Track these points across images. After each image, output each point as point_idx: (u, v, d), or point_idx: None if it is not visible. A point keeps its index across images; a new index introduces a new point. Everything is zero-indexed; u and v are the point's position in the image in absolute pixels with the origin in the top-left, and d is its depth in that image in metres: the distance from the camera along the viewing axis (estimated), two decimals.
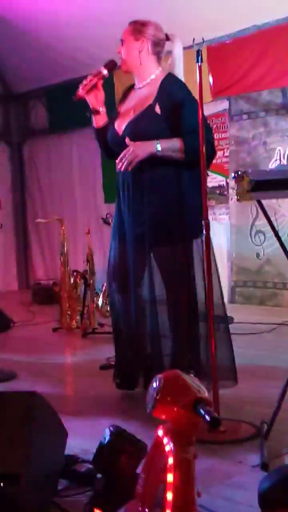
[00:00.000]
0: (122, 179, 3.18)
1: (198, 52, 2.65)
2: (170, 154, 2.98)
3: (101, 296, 5.47)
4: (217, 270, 3.03)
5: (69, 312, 5.52)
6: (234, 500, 2.10)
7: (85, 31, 6.60)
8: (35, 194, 8.62)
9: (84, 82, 3.17)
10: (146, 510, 1.66)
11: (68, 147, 8.02)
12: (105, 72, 3.17)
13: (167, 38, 3.19)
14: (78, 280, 5.53)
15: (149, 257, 3.14)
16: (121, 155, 2.99)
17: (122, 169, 3.01)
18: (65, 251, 5.65)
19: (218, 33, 5.84)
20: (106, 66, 3.19)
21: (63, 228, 5.71)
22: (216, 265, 3.02)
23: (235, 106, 6.43)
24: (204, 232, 2.76)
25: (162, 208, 3.07)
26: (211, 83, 6.03)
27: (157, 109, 3.03)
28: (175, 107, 3.00)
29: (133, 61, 3.15)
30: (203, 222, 2.76)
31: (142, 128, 3.05)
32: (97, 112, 3.24)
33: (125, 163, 2.98)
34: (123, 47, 3.16)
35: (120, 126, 3.17)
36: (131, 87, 3.32)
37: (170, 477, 1.61)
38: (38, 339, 5.30)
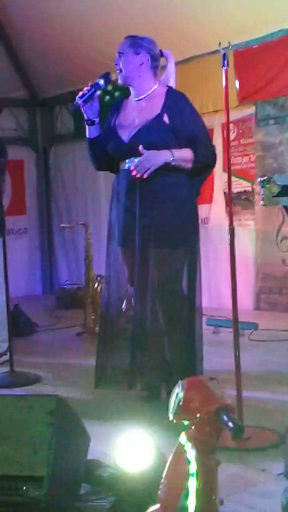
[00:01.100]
0: (123, 179, 3.22)
1: (224, 56, 2.65)
2: (180, 163, 3.09)
3: (125, 301, 5.45)
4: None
5: (93, 317, 5.52)
6: (257, 508, 2.08)
7: (111, 36, 6.61)
8: (60, 199, 8.66)
9: (81, 92, 3.20)
10: None
11: None
12: (101, 83, 3.23)
13: (161, 54, 3.30)
14: (102, 284, 5.52)
15: (149, 259, 3.17)
16: (137, 163, 3.06)
17: (137, 176, 3.07)
18: (90, 256, 5.66)
19: (244, 38, 5.81)
20: (103, 78, 3.24)
21: (87, 233, 5.72)
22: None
23: (261, 111, 6.39)
24: (228, 237, 2.75)
25: (166, 212, 3.14)
26: (238, 88, 6.00)
27: (166, 119, 3.13)
28: (181, 118, 3.12)
29: (133, 74, 3.22)
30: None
31: (153, 136, 3.12)
32: (92, 123, 3.28)
33: (141, 171, 3.04)
34: (121, 59, 3.23)
35: (124, 135, 3.22)
36: (122, 100, 3.41)
37: (192, 484, 1.60)
38: (62, 343, 5.31)
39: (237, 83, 5.98)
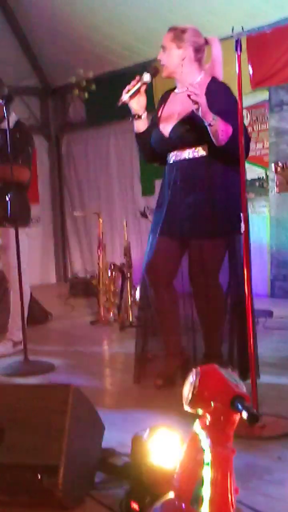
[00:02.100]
0: (169, 174, 3.24)
1: (237, 41, 2.61)
2: (217, 133, 2.97)
3: (138, 289, 5.44)
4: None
5: (106, 305, 5.53)
6: (273, 496, 2.06)
7: (122, 24, 6.57)
8: (72, 187, 8.66)
9: (127, 87, 3.18)
10: (183, 505, 1.64)
11: (105, 140, 8.02)
12: (148, 77, 3.19)
13: (206, 42, 3.24)
14: (115, 273, 5.53)
15: (187, 249, 3.18)
16: (192, 90, 2.87)
17: (193, 97, 2.88)
18: (103, 244, 5.65)
19: (257, 23, 5.74)
20: (149, 72, 3.21)
21: (100, 221, 5.71)
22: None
23: (275, 96, 6.32)
24: (242, 225, 2.72)
25: (207, 202, 3.12)
26: (251, 74, 5.94)
27: None
28: (219, 109, 3.03)
29: (176, 68, 3.20)
30: (241, 215, 2.72)
31: (191, 129, 3.09)
32: (139, 117, 3.28)
33: (194, 92, 2.87)
34: (164, 54, 3.20)
35: (165, 128, 3.21)
36: (170, 91, 3.37)
37: (207, 473, 1.59)
38: (76, 332, 5.32)
39: (250, 69, 5.93)
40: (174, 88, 3.36)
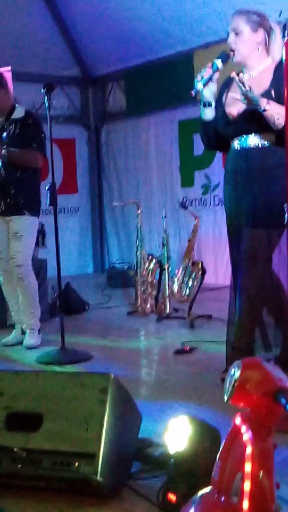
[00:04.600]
0: (234, 161, 3.19)
1: (285, 27, 2.55)
2: (274, 117, 2.94)
3: (176, 280, 5.42)
4: None
5: (144, 296, 5.51)
6: None
7: (165, 12, 6.51)
8: (111, 177, 8.66)
9: (199, 75, 3.13)
10: (223, 498, 1.62)
11: (145, 131, 7.99)
12: (220, 64, 3.13)
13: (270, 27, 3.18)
14: (153, 264, 5.51)
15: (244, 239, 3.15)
16: (245, 91, 2.91)
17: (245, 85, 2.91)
18: (141, 235, 5.64)
19: None
20: (220, 58, 3.14)
21: (139, 211, 5.69)
22: None
23: None
24: (286, 215, 2.68)
25: (268, 192, 3.07)
26: None
27: (273, 94, 3.02)
28: (281, 94, 2.91)
29: (251, 52, 3.12)
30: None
31: (258, 113, 3.00)
32: (209, 105, 3.23)
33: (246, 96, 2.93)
34: (237, 37, 3.11)
35: (234, 112, 3.14)
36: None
37: (248, 467, 1.57)
38: (113, 322, 5.33)
39: None
40: (238, 73, 3.28)
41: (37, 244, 4.73)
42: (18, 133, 4.22)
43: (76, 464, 2.01)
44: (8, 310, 4.74)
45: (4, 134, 4.26)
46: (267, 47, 3.15)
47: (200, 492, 1.71)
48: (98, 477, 1.96)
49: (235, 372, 1.64)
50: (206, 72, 3.11)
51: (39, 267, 4.98)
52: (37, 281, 4.43)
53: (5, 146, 4.19)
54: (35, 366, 3.86)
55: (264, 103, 2.91)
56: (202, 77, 3.10)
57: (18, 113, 4.30)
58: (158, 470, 2.19)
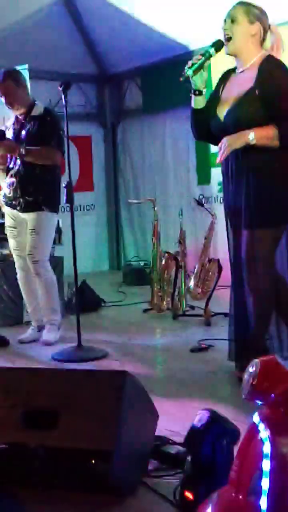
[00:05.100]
0: (226, 164, 3.18)
1: None
2: (265, 142, 2.95)
3: (192, 278, 5.41)
4: None
5: (160, 294, 5.50)
6: None
7: (182, 9, 6.48)
8: (127, 175, 8.65)
9: (190, 62, 3.10)
10: (240, 497, 1.60)
11: (161, 128, 7.97)
12: (212, 51, 3.09)
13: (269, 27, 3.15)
14: (169, 261, 5.49)
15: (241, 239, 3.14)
16: (218, 147, 3.01)
17: (218, 160, 3.04)
18: (157, 232, 5.62)
19: None
20: (214, 46, 3.11)
21: (155, 209, 5.68)
22: None
23: None
24: None
25: (258, 192, 3.04)
26: None
27: (257, 91, 2.99)
28: (270, 89, 2.96)
29: (244, 43, 3.08)
30: None
31: (243, 113, 3.02)
32: (200, 93, 3.20)
33: (221, 155, 3.00)
34: (233, 25, 3.06)
35: (222, 112, 3.14)
36: (230, 71, 3.27)
37: (266, 465, 1.55)
38: (129, 319, 5.32)
39: None
40: (235, 68, 3.25)
41: (53, 241, 4.74)
42: (37, 131, 4.22)
43: (93, 461, 2.01)
44: (25, 307, 4.76)
45: (24, 132, 4.27)
46: (260, 43, 3.11)
47: (218, 490, 1.69)
48: (114, 475, 1.95)
49: (253, 370, 1.62)
50: (196, 59, 3.09)
51: (55, 264, 4.98)
52: (55, 276, 4.44)
53: (23, 144, 4.20)
54: (51, 363, 3.87)
55: (248, 140, 2.92)
56: (193, 64, 3.08)
57: (38, 110, 4.30)
58: (175, 468, 2.19)
